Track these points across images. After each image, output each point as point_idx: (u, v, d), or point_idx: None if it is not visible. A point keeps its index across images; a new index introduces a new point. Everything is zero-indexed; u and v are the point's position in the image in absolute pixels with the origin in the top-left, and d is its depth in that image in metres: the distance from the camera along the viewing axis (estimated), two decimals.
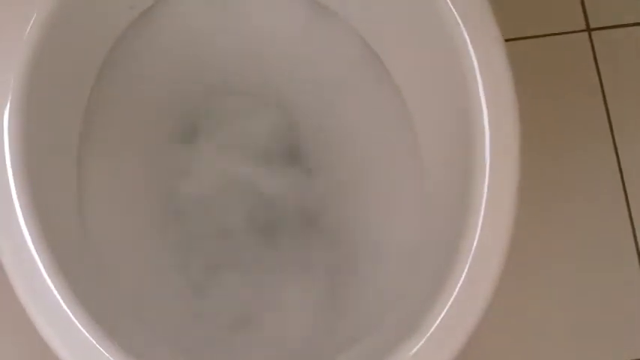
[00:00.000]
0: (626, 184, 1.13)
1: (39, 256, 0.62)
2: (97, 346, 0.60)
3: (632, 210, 1.12)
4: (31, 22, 0.65)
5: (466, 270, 0.62)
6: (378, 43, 0.78)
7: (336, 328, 0.79)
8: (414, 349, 0.60)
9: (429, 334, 0.61)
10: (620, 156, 1.14)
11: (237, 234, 0.86)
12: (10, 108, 0.64)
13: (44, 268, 0.61)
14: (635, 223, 1.12)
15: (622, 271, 1.11)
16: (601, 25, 1.18)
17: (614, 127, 1.15)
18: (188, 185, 0.86)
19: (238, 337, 0.80)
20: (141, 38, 0.79)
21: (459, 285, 0.62)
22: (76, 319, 0.61)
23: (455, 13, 0.66)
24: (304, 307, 0.82)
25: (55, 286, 0.61)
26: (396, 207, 0.79)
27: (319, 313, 0.81)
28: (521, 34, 1.16)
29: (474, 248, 0.62)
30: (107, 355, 0.60)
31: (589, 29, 1.17)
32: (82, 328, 0.60)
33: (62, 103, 0.72)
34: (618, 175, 1.13)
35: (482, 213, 0.63)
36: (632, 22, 1.18)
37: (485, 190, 0.63)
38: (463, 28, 0.66)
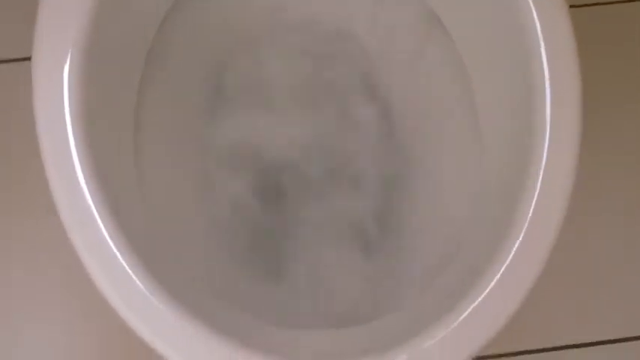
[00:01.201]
0: None
1: (96, 206, 0.62)
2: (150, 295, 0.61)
3: None
4: None
5: (524, 230, 0.62)
6: (441, 6, 0.79)
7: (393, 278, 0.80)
8: (477, 301, 0.61)
9: (491, 286, 0.61)
10: None
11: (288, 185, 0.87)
12: (70, 63, 0.64)
13: (102, 221, 0.62)
14: None
15: None
16: None
17: None
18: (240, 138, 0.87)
19: (282, 292, 0.81)
20: (192, 9, 0.80)
21: (516, 244, 0.62)
22: (132, 270, 0.61)
23: None
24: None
25: (111, 238, 0.62)
26: (454, 162, 0.80)
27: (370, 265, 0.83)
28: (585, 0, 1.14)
29: (533, 204, 0.62)
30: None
31: None
32: (134, 277, 0.61)
33: (121, 57, 0.72)
34: None
35: (541, 174, 0.63)
36: None
37: (546, 149, 0.63)
38: None
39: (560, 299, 1.09)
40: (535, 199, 0.62)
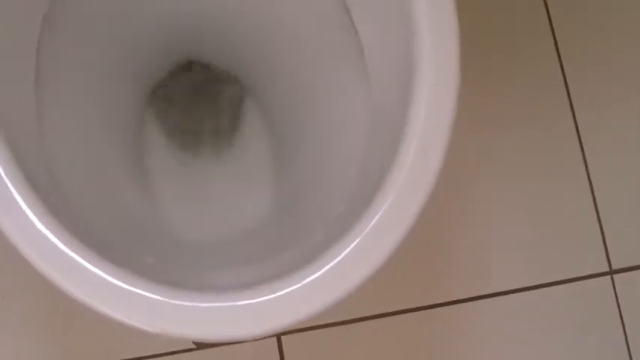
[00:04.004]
0: (573, 103, 1.16)
1: None
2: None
3: (580, 129, 1.16)
4: None
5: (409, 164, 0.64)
6: None
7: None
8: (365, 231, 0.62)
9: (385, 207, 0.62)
10: (567, 80, 1.17)
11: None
12: None
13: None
14: (584, 146, 1.16)
15: (572, 189, 1.15)
16: None
17: (560, 49, 1.17)
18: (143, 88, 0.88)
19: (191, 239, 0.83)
20: None
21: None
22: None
23: None
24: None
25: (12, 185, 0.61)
26: (343, 105, 0.81)
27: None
28: None
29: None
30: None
31: None
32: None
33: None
34: (566, 97, 1.16)
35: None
36: None
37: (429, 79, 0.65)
38: None
39: (454, 255, 1.13)
40: (421, 123, 0.64)
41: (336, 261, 0.61)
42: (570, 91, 1.16)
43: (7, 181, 0.61)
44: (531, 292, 1.12)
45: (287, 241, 0.77)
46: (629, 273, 1.13)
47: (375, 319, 1.09)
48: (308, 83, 0.86)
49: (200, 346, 0.95)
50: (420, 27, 0.66)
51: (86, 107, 0.82)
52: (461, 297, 1.11)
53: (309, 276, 0.61)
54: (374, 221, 0.62)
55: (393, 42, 0.71)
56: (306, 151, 0.86)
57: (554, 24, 1.17)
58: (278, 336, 1.05)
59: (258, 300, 0.61)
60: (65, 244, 0.60)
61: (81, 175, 0.77)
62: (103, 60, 0.85)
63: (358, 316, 1.09)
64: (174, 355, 1.02)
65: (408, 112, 0.64)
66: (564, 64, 1.17)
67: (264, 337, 0.96)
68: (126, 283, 0.60)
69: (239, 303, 0.61)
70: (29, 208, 0.61)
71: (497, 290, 1.12)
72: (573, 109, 1.16)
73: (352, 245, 0.62)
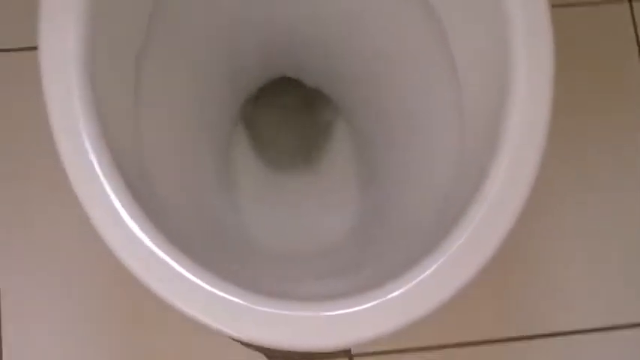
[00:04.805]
0: None
1: (96, 155, 0.63)
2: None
3: None
4: None
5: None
6: None
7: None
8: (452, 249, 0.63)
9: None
10: None
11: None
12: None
13: (100, 167, 0.63)
14: None
15: None
16: None
17: None
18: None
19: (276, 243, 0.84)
20: None
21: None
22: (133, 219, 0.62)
23: None
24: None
25: (111, 187, 0.63)
26: (434, 123, 0.81)
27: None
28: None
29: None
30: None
31: None
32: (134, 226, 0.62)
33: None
34: None
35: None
36: None
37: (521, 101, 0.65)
38: None
39: (551, 288, 1.12)
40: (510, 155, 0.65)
41: (420, 278, 0.62)
42: None
43: (109, 190, 0.63)
44: (606, 332, 1.10)
45: (366, 258, 0.78)
46: None
47: (447, 349, 1.09)
48: (401, 105, 0.87)
49: (270, 357, 0.96)
50: (516, 49, 0.66)
51: (181, 113, 0.85)
52: (534, 333, 1.10)
53: (393, 291, 0.62)
54: (460, 241, 0.63)
55: (486, 61, 0.71)
56: (392, 172, 0.87)
57: None
58: (350, 356, 1.06)
59: (341, 312, 0.62)
60: (160, 248, 0.62)
61: (175, 179, 0.79)
62: (199, 66, 0.87)
63: (429, 345, 1.09)
64: None
65: (496, 148, 0.65)
66: None
67: (341, 350, 0.97)
68: (213, 287, 0.62)
69: (322, 314, 0.62)
70: (130, 215, 0.62)
71: (571, 329, 1.11)
72: None
73: (436, 265, 0.63)
